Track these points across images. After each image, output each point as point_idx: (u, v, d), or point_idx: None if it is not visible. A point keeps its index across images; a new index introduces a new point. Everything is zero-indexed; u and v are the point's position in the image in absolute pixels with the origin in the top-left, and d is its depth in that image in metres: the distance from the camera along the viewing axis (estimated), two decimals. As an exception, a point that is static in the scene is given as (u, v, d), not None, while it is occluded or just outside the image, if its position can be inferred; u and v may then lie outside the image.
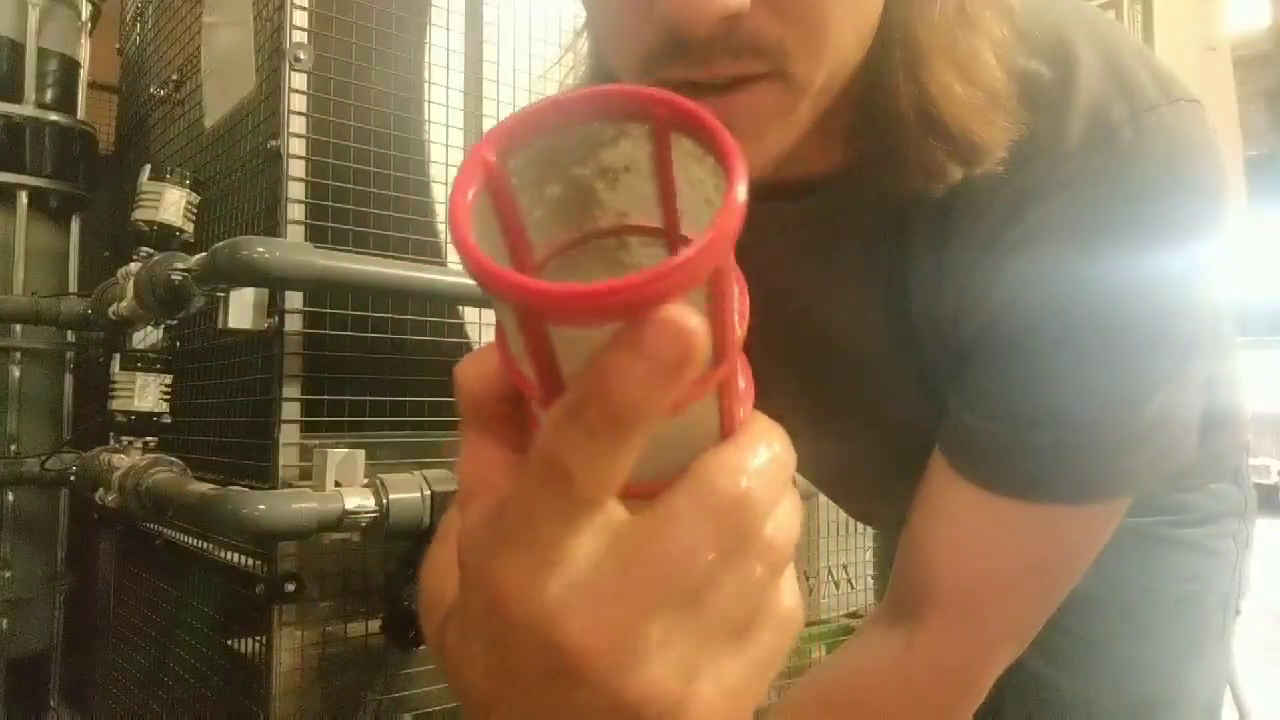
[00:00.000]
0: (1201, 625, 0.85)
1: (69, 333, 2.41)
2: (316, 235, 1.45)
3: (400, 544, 1.41)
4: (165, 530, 1.87)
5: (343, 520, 1.31)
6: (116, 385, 1.76)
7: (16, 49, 2.37)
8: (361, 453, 1.37)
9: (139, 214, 1.74)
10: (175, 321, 1.81)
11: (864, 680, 0.70)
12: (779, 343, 0.73)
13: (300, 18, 1.47)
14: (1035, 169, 0.57)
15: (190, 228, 1.77)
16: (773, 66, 0.50)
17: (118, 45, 2.63)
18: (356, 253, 1.44)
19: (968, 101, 0.54)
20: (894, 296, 0.65)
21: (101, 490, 1.73)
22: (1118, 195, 0.56)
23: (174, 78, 2.12)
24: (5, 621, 2.30)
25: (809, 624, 2.14)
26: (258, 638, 1.47)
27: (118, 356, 1.81)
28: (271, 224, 1.47)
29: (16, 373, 2.34)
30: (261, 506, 1.27)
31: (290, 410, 1.43)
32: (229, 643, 1.59)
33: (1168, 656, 0.84)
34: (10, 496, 2.32)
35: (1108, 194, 0.56)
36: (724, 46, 0.48)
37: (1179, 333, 0.59)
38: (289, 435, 1.43)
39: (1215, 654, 0.86)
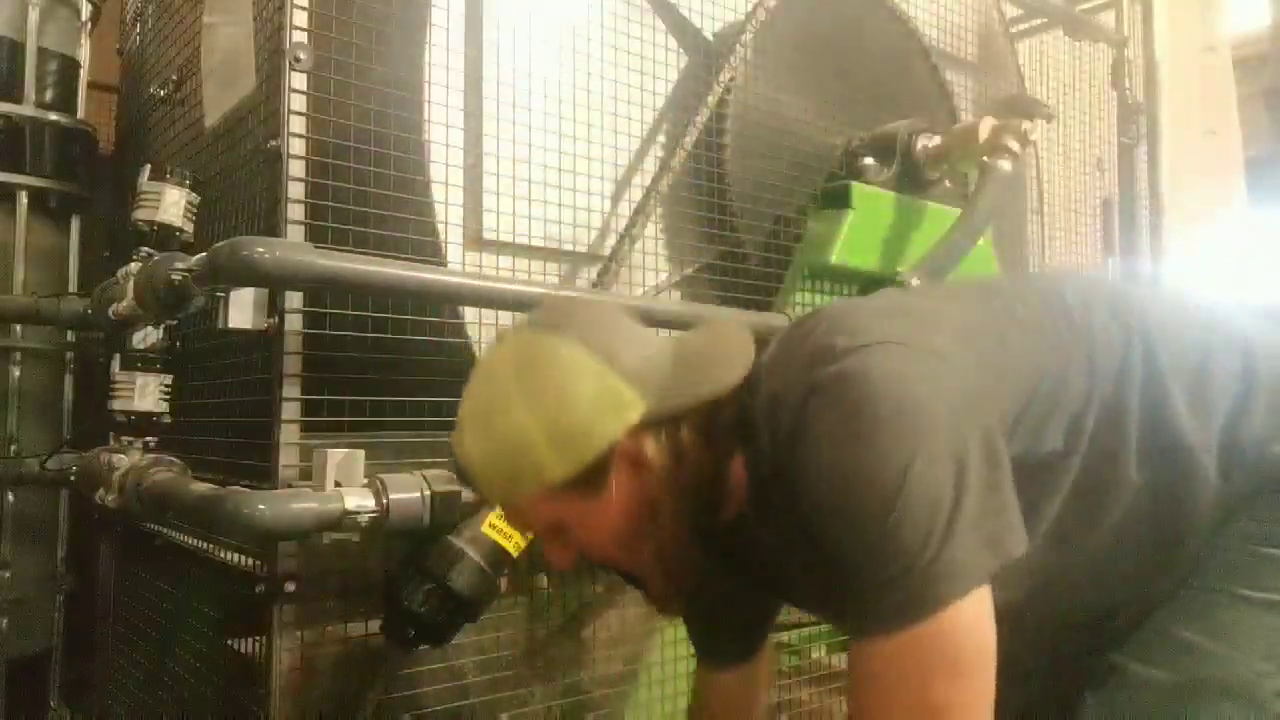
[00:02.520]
0: (1260, 628, 0.95)
1: (69, 333, 2.41)
2: (316, 235, 1.45)
3: (400, 544, 1.41)
4: (165, 530, 1.87)
5: (343, 520, 1.31)
6: (116, 385, 1.76)
7: (16, 49, 2.37)
8: (361, 453, 1.37)
9: (139, 214, 1.74)
10: (175, 321, 1.81)
11: None
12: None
13: (300, 18, 1.47)
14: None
15: (190, 228, 1.77)
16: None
17: (118, 45, 2.63)
18: (356, 253, 1.44)
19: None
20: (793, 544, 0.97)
21: (101, 490, 1.73)
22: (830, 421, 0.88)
23: (174, 78, 2.12)
24: (5, 621, 2.30)
25: (809, 624, 2.13)
26: (258, 638, 1.47)
27: (118, 356, 1.81)
28: (271, 224, 1.47)
29: (16, 373, 2.34)
30: (261, 506, 1.27)
31: (290, 410, 1.43)
32: (229, 643, 1.59)
33: (1234, 651, 0.95)
34: (10, 496, 2.32)
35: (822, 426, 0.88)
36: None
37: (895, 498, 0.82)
38: (289, 435, 1.42)
39: None
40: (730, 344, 1.03)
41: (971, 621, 0.83)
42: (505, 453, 0.95)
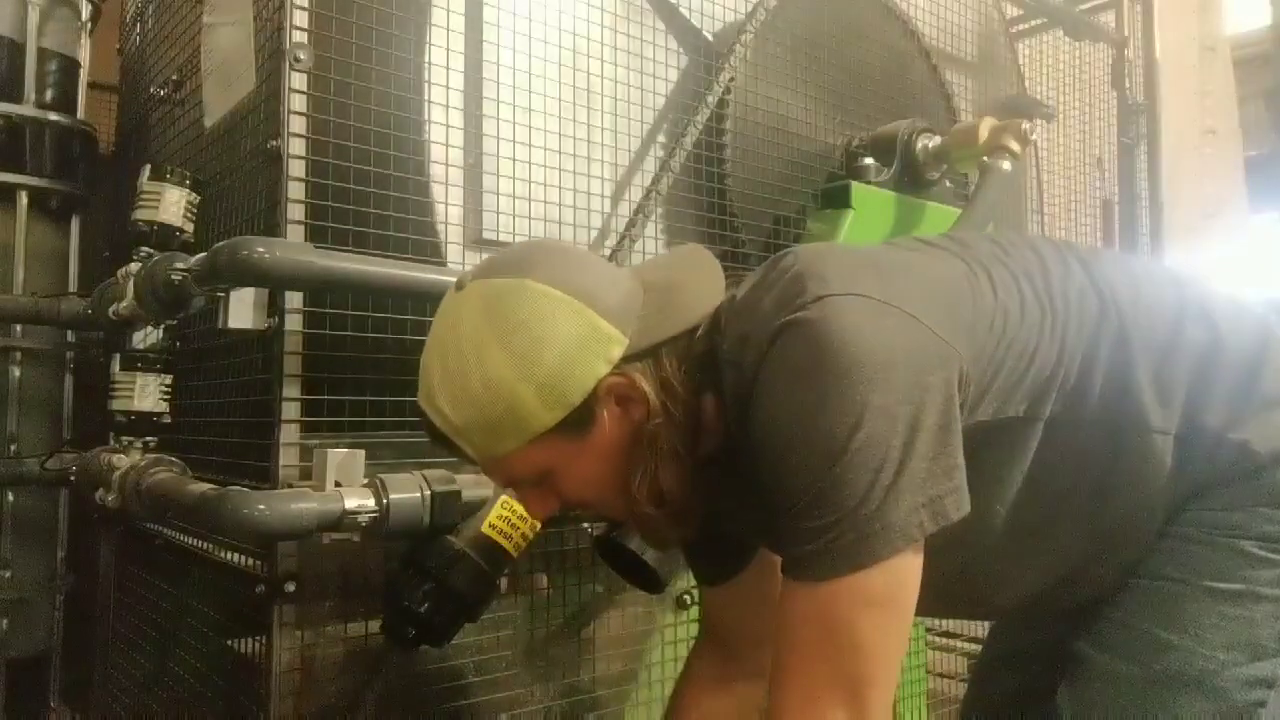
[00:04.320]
0: (1245, 622, 0.94)
1: (69, 333, 2.41)
2: (316, 235, 1.45)
3: (400, 544, 1.41)
4: (165, 530, 1.87)
5: (343, 520, 1.31)
6: (116, 385, 1.75)
7: (16, 49, 2.37)
8: (361, 453, 1.37)
9: (139, 214, 1.74)
10: (175, 321, 1.81)
11: None
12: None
13: (300, 18, 1.47)
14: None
15: (190, 228, 1.77)
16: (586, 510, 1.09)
17: (118, 45, 2.63)
18: (356, 253, 1.44)
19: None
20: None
21: (101, 490, 1.73)
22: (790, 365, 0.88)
23: (174, 78, 2.12)
24: (5, 621, 2.30)
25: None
26: (258, 638, 1.47)
27: (118, 356, 1.80)
28: (271, 224, 1.47)
29: (16, 373, 2.34)
30: (261, 506, 1.27)
31: (290, 410, 1.43)
32: (229, 643, 1.59)
33: (1196, 644, 0.95)
34: (10, 496, 2.32)
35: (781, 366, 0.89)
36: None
37: (845, 446, 0.83)
38: (289, 435, 1.42)
39: (1258, 657, 0.94)
40: (702, 271, 1.04)
41: (900, 576, 0.86)
42: (488, 408, 0.93)
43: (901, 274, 0.98)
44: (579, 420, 0.94)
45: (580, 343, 0.92)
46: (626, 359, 0.94)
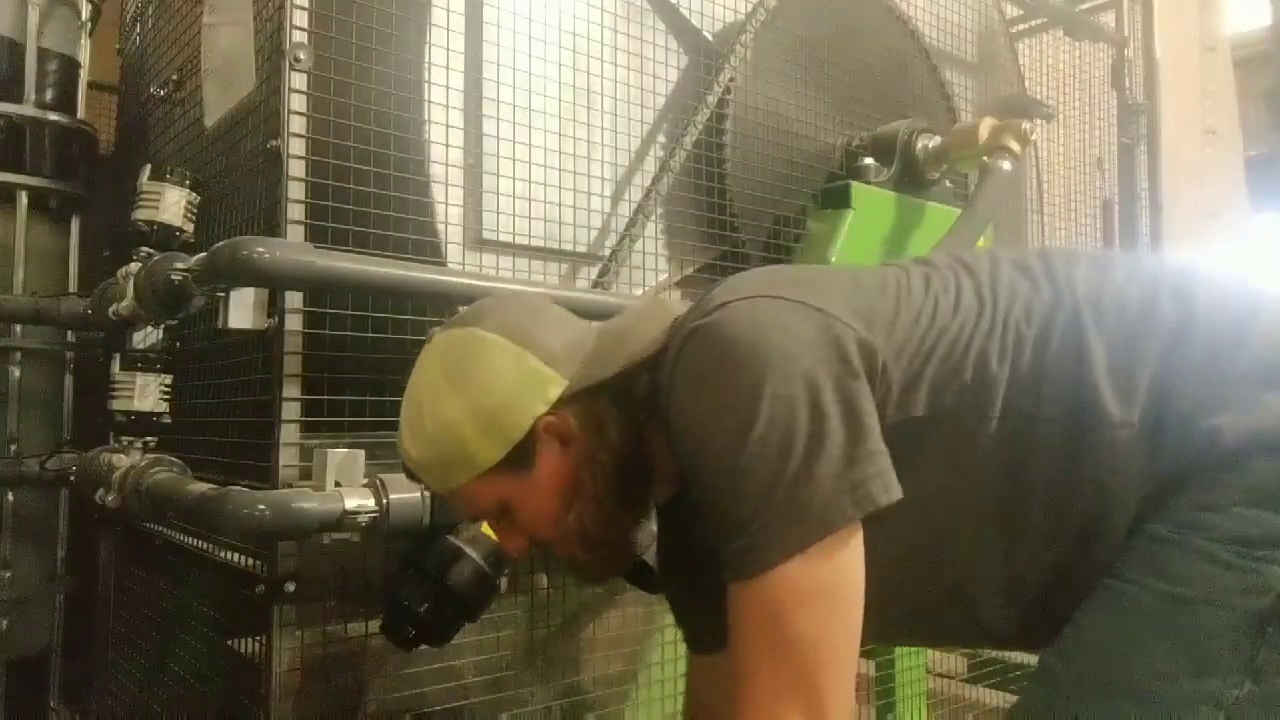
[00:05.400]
0: (1193, 633, 0.84)
1: (69, 333, 2.41)
2: (316, 235, 1.45)
3: (400, 544, 1.41)
4: (165, 530, 1.87)
5: (343, 520, 1.31)
6: (116, 385, 1.76)
7: (16, 49, 2.37)
8: (361, 453, 1.37)
9: (139, 214, 1.74)
10: (175, 321, 1.81)
11: None
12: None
13: (300, 18, 1.47)
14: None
15: (190, 228, 1.77)
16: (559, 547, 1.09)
17: (118, 45, 2.63)
18: (356, 253, 1.44)
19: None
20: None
21: (101, 490, 1.73)
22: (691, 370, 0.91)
23: (174, 78, 2.12)
24: (5, 621, 2.30)
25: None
26: (258, 638, 1.47)
27: (118, 356, 1.81)
28: (271, 224, 1.47)
29: (16, 373, 2.34)
30: (261, 506, 1.27)
31: (290, 410, 1.43)
32: (229, 643, 1.59)
33: (1133, 646, 0.86)
34: (10, 496, 2.32)
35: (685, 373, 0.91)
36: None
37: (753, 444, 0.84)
38: (289, 435, 1.42)
39: (1205, 673, 0.83)
40: (648, 318, 1.07)
41: (833, 564, 0.85)
42: (439, 443, 1.02)
43: (818, 280, 1.00)
44: (520, 457, 1.00)
45: (518, 384, 1.00)
46: (564, 400, 1.01)
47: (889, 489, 0.86)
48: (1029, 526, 0.94)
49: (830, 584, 0.86)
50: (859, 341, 0.90)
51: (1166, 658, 0.85)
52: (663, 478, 1.06)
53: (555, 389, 1.01)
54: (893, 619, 1.01)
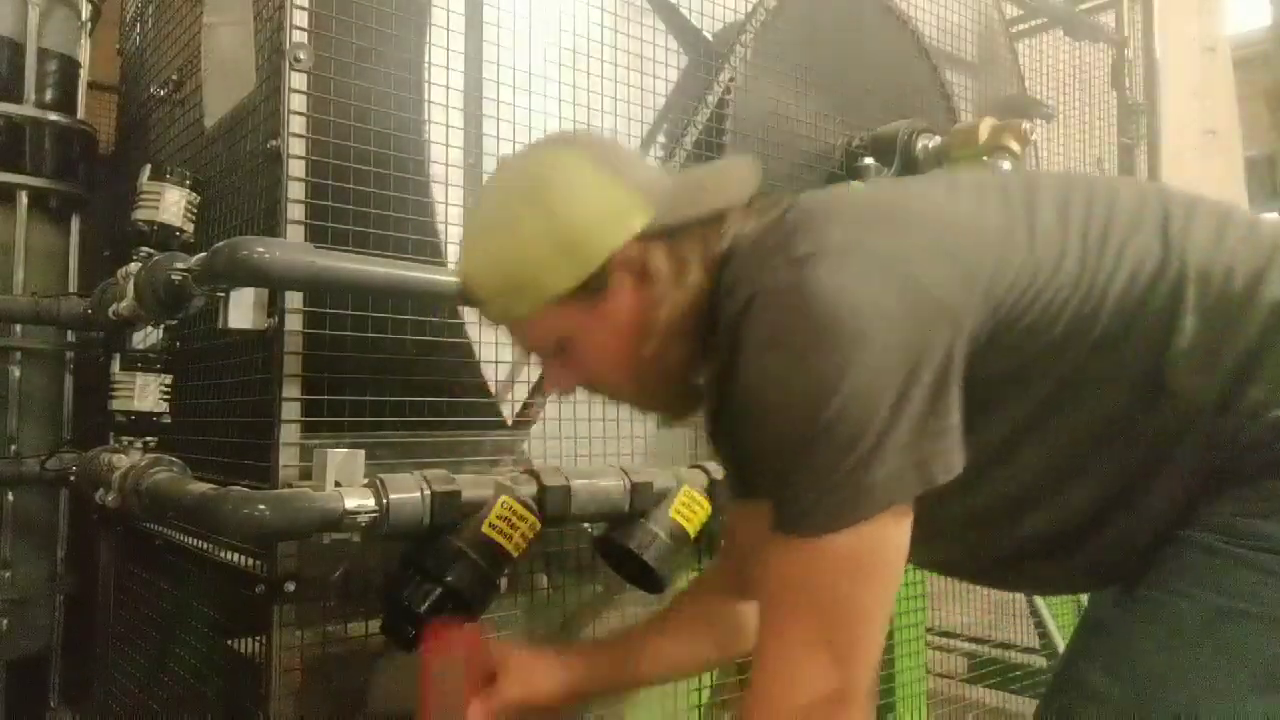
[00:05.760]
0: (1251, 651, 0.83)
1: (69, 333, 2.40)
2: (316, 235, 1.45)
3: (400, 544, 1.41)
4: (165, 530, 1.87)
5: (343, 520, 1.31)
6: (116, 385, 1.76)
7: (16, 49, 2.37)
8: (361, 453, 1.37)
9: (139, 214, 1.74)
10: (175, 321, 1.81)
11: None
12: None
13: (300, 18, 1.47)
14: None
15: (190, 228, 1.77)
16: (607, 391, 1.08)
17: (118, 45, 2.63)
18: (356, 253, 1.44)
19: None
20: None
21: (101, 490, 1.73)
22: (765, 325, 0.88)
23: (174, 78, 2.12)
24: (5, 621, 2.30)
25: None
26: (258, 638, 1.47)
27: (118, 356, 1.81)
28: (271, 224, 1.47)
29: (16, 373, 2.34)
30: (261, 506, 1.27)
31: (290, 410, 1.43)
32: (229, 643, 1.59)
33: (1188, 664, 0.84)
34: (10, 496, 2.32)
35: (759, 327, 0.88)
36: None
37: (819, 404, 0.82)
38: (289, 435, 1.42)
39: (1264, 691, 0.82)
40: (732, 172, 1.03)
41: (884, 537, 0.85)
42: (510, 264, 0.96)
43: (915, 227, 0.93)
44: (593, 286, 0.95)
45: (602, 208, 0.95)
46: (647, 235, 0.96)
47: (950, 467, 0.85)
48: (1087, 480, 0.93)
49: (878, 556, 0.86)
50: (949, 314, 0.86)
51: (1223, 676, 0.83)
52: (710, 360, 1.01)
53: (639, 220, 0.95)
54: (938, 557, 1.05)
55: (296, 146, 1.46)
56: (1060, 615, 2.51)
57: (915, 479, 0.84)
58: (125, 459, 1.71)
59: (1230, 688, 0.82)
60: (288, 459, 1.41)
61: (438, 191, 1.62)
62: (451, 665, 1.10)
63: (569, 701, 1.19)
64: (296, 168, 1.45)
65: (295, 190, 1.45)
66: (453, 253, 1.64)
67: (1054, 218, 0.93)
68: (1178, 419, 0.88)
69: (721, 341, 0.93)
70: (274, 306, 1.44)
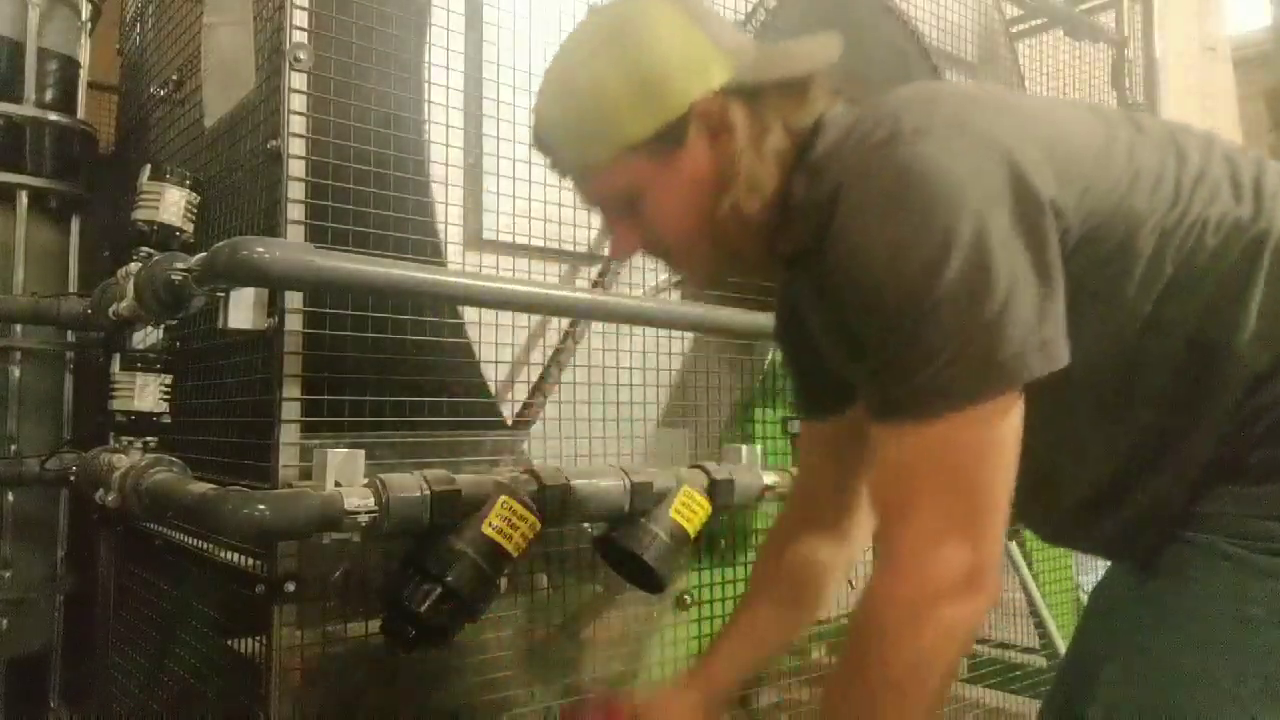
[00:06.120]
0: (1263, 657, 0.83)
1: (69, 333, 2.40)
2: (316, 235, 1.45)
3: (400, 544, 1.41)
4: (165, 530, 1.87)
5: (343, 520, 1.31)
6: (116, 385, 1.76)
7: (16, 49, 2.37)
8: (361, 453, 1.37)
9: (139, 214, 1.74)
10: (175, 321, 1.81)
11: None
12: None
13: (300, 18, 1.47)
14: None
15: (190, 228, 1.77)
16: (667, 255, 1.05)
17: (118, 45, 2.63)
18: (356, 253, 1.44)
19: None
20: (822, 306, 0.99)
21: (101, 490, 1.73)
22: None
23: (174, 78, 2.12)
24: (5, 621, 2.30)
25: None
26: (258, 638, 1.47)
27: (118, 356, 1.81)
28: (271, 224, 1.47)
29: (16, 373, 2.34)
30: (261, 506, 1.27)
31: (290, 410, 1.43)
32: (229, 643, 1.59)
33: (1200, 670, 0.84)
34: (10, 496, 2.32)
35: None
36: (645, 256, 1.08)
37: (930, 275, 0.80)
38: (289, 435, 1.42)
39: (1278, 698, 0.82)
40: (816, 45, 1.03)
41: (1009, 417, 0.83)
42: (587, 108, 0.95)
43: (1023, 118, 0.92)
44: (670, 137, 0.94)
45: (684, 56, 0.93)
46: (728, 90, 0.94)
47: (1062, 356, 0.84)
48: (1124, 423, 0.92)
49: (1005, 435, 0.84)
50: (1050, 195, 0.85)
51: (1236, 682, 0.83)
52: (789, 236, 0.99)
53: (721, 73, 0.94)
54: None
55: (296, 146, 1.46)
56: (1060, 615, 2.51)
57: (1039, 360, 0.82)
58: (125, 459, 1.71)
59: (1245, 694, 0.82)
60: (288, 459, 1.41)
61: (438, 191, 1.62)
62: None
63: (714, 717, 1.20)
64: (296, 168, 1.46)
65: (295, 190, 1.45)
66: (453, 253, 1.65)
67: (1155, 150, 0.92)
68: (1223, 382, 0.87)
69: (811, 218, 0.90)
70: (274, 306, 1.44)
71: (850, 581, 2.22)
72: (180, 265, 1.54)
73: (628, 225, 1.03)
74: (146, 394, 1.73)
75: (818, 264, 0.90)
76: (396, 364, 1.54)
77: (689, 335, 1.92)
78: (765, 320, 1.91)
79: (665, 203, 0.98)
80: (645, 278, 1.86)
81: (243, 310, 1.43)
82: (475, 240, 1.68)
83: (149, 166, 1.77)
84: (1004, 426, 0.84)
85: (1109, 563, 1.11)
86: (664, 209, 0.98)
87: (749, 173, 0.95)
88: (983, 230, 0.81)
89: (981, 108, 0.91)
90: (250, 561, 1.50)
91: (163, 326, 1.86)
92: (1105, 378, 0.90)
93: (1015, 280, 0.81)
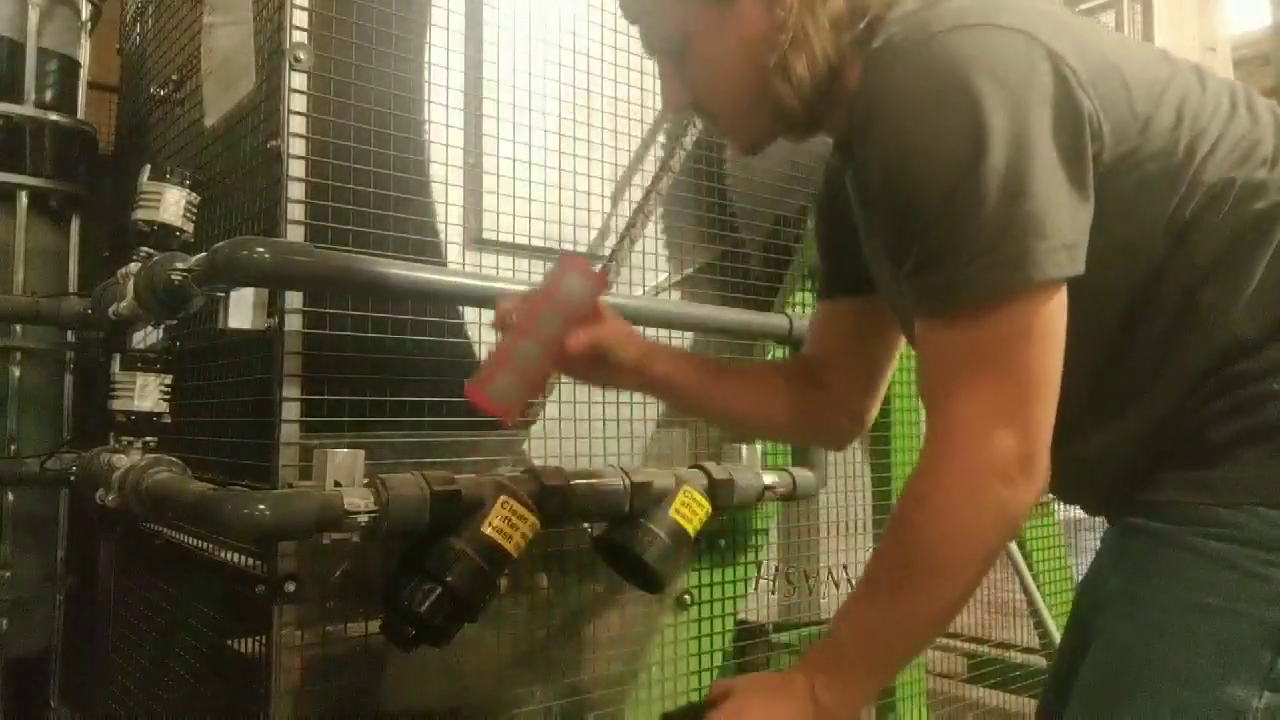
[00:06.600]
0: (1215, 641, 0.84)
1: (69, 333, 2.40)
2: (316, 235, 1.45)
3: (400, 544, 1.41)
4: (165, 530, 1.87)
5: (343, 520, 1.31)
6: (116, 385, 1.75)
7: (16, 49, 2.37)
8: (361, 453, 1.37)
9: (139, 214, 1.74)
10: (175, 321, 1.80)
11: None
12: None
13: (300, 18, 1.47)
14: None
15: (190, 228, 1.77)
16: (715, 112, 1.06)
17: (118, 45, 2.63)
18: (356, 253, 1.44)
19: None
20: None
21: (101, 490, 1.73)
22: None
23: (174, 78, 2.12)
24: (5, 621, 2.30)
25: (808, 624, 2.14)
26: (258, 638, 1.47)
27: (118, 356, 1.80)
28: (271, 224, 1.47)
29: (16, 373, 2.34)
30: (261, 506, 1.27)
31: (290, 410, 1.43)
32: (229, 643, 1.59)
33: (1153, 656, 0.86)
34: (10, 496, 2.32)
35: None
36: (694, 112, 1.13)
37: (964, 162, 0.81)
38: (289, 435, 1.42)
39: (1226, 681, 0.82)
40: None
41: (1057, 303, 0.84)
42: None
43: (1086, 38, 0.91)
44: None
45: None
46: None
47: (1083, 264, 0.84)
48: (1117, 374, 0.92)
49: (1049, 324, 0.84)
50: (1094, 109, 0.85)
51: (1192, 665, 0.84)
52: (838, 121, 0.99)
53: None
54: None
55: (296, 146, 1.46)
56: (1060, 615, 2.52)
57: (1067, 259, 0.83)
58: (125, 459, 1.71)
59: (1198, 676, 0.84)
60: (288, 459, 1.41)
61: (438, 191, 1.62)
62: (581, 286, 1.09)
63: (637, 373, 1.17)
64: (296, 168, 1.46)
65: (295, 190, 1.45)
66: (453, 253, 1.64)
67: (1205, 103, 0.92)
68: (1204, 341, 0.88)
69: (860, 108, 0.90)
70: (274, 306, 1.44)
71: (849, 581, 2.22)
72: (180, 265, 1.54)
73: (674, 79, 1.04)
74: (146, 394, 1.73)
75: (861, 155, 0.91)
76: (396, 364, 1.54)
77: (689, 335, 1.93)
78: (765, 320, 1.91)
79: (713, 54, 0.99)
80: (645, 277, 1.87)
81: (243, 310, 1.43)
82: (475, 240, 1.68)
83: (149, 166, 1.77)
84: (1048, 314, 0.84)
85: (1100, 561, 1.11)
86: (711, 61, 1.00)
87: (800, 31, 0.94)
88: (1026, 125, 0.82)
89: (1047, 19, 0.90)
90: (250, 561, 1.50)
91: (163, 326, 1.86)
92: (1107, 313, 0.91)
93: (1052, 178, 0.82)
